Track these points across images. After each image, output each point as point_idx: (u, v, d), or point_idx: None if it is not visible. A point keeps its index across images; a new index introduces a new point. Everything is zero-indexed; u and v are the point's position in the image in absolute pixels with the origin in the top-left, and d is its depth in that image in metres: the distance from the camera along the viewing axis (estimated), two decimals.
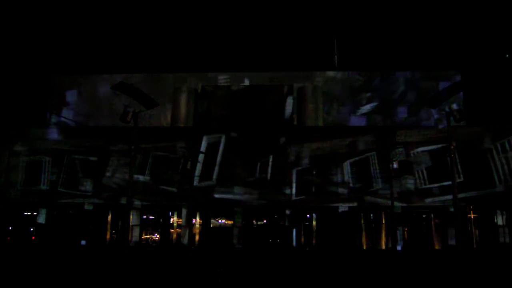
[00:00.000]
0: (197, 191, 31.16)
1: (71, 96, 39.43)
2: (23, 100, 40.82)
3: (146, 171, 32.06)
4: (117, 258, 20.50)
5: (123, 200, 29.00)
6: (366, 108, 37.70)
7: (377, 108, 37.80)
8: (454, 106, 18.56)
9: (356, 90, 38.23)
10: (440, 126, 32.97)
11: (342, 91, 38.25)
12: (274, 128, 33.02)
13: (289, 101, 35.97)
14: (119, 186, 31.28)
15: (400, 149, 30.45)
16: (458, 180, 29.42)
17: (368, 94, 37.84)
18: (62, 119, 37.19)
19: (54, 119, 38.34)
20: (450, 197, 28.40)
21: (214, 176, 31.52)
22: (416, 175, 30.97)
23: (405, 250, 29.76)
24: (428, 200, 30.62)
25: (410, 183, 30.82)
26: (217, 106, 36.30)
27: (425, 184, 30.73)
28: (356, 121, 37.48)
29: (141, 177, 31.75)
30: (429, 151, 31.00)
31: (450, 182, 19.29)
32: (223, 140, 32.23)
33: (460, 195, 29.04)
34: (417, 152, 31.16)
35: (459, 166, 29.77)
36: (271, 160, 32.20)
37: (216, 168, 31.66)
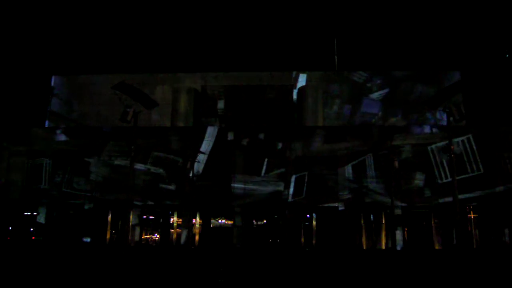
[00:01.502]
0: (197, 190, 31.13)
1: (70, 95, 39.42)
2: (23, 100, 40.85)
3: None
4: (117, 258, 20.50)
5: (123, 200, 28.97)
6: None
7: (377, 108, 37.79)
8: (454, 106, 18.59)
9: (359, 86, 38.16)
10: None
11: (344, 89, 38.22)
12: (274, 127, 32.97)
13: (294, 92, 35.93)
14: (118, 186, 31.22)
15: (402, 148, 30.48)
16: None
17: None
18: (62, 119, 37.20)
19: (54, 119, 38.31)
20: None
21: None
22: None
23: (405, 250, 29.75)
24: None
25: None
26: (217, 105, 36.32)
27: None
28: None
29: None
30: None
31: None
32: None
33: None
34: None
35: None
36: (271, 159, 32.28)
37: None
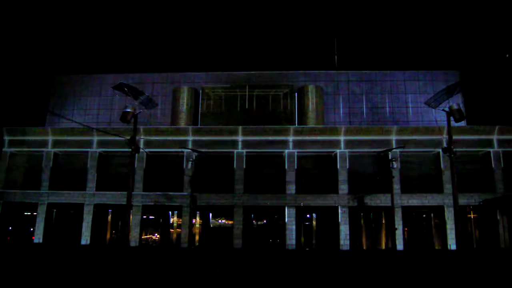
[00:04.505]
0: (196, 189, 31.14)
1: (71, 95, 39.38)
2: (23, 100, 40.84)
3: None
4: (117, 258, 20.50)
5: (124, 200, 28.97)
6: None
7: (377, 108, 37.76)
8: (454, 106, 18.57)
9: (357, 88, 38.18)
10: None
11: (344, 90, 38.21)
12: (274, 127, 32.94)
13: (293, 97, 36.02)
14: (120, 186, 31.24)
15: (401, 148, 30.51)
16: None
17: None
18: (62, 119, 37.15)
19: (54, 119, 38.27)
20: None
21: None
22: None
23: (405, 250, 29.74)
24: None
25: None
26: (217, 106, 36.25)
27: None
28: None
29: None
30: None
31: None
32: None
33: None
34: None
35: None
36: (271, 159, 32.35)
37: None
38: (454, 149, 18.40)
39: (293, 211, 31.34)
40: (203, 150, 31.42)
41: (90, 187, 32.51)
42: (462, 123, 32.53)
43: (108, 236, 32.81)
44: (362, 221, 32.12)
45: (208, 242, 32.20)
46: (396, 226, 29.48)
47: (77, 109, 38.91)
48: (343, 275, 18.19)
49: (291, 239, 30.99)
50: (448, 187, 29.93)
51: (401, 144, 30.98)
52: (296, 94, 36.35)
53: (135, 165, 31.48)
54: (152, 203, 31.95)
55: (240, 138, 32.53)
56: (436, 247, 31.08)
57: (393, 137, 31.74)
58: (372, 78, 38.23)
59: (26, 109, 39.85)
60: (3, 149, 33.86)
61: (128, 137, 18.24)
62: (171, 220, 33.16)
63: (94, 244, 31.47)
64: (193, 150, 30.42)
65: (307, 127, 34.09)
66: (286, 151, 32.18)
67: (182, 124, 35.33)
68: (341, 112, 37.60)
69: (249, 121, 34.84)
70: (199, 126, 34.84)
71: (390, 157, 29.91)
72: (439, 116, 34.54)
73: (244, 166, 32.19)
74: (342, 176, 31.57)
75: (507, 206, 30.11)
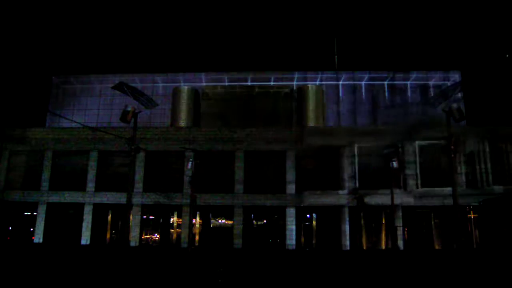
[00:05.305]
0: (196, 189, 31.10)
1: (71, 96, 39.41)
2: (23, 100, 40.86)
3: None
4: (117, 258, 20.51)
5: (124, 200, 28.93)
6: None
7: (377, 108, 37.79)
8: (454, 106, 18.60)
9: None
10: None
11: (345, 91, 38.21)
12: (274, 127, 32.94)
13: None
14: (120, 186, 31.23)
15: (401, 148, 30.49)
16: None
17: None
18: (62, 119, 37.18)
19: (54, 119, 38.29)
20: None
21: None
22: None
23: (405, 250, 29.73)
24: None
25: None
26: (217, 106, 36.27)
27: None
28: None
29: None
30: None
31: None
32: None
33: None
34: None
35: None
36: (271, 159, 32.31)
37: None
38: (453, 149, 18.41)
39: (293, 211, 31.33)
40: (203, 150, 31.41)
41: (90, 187, 32.50)
42: (462, 123, 32.47)
43: (108, 236, 32.81)
44: (362, 221, 32.10)
45: (208, 242, 32.19)
46: (396, 226, 29.50)
47: (77, 109, 38.94)
48: (343, 275, 18.19)
49: (291, 239, 30.98)
50: (447, 186, 29.88)
51: (401, 143, 30.94)
52: (296, 94, 36.38)
53: (135, 165, 31.46)
54: (152, 203, 31.93)
55: (240, 138, 32.46)
56: (436, 247, 31.07)
57: (393, 137, 31.67)
58: (372, 78, 38.23)
59: (26, 109, 39.86)
60: (3, 149, 33.86)
61: (128, 137, 18.27)
62: (171, 220, 33.15)
63: (94, 244, 31.47)
64: (193, 150, 30.39)
65: (307, 127, 34.10)
66: (286, 151, 32.14)
67: (182, 124, 35.33)
68: (341, 112, 37.62)
69: (249, 121, 34.83)
70: (199, 126, 34.86)
71: (390, 157, 29.87)
72: (439, 115, 34.60)
73: (244, 166, 32.16)
74: (342, 175, 31.53)
75: (507, 206, 30.07)
